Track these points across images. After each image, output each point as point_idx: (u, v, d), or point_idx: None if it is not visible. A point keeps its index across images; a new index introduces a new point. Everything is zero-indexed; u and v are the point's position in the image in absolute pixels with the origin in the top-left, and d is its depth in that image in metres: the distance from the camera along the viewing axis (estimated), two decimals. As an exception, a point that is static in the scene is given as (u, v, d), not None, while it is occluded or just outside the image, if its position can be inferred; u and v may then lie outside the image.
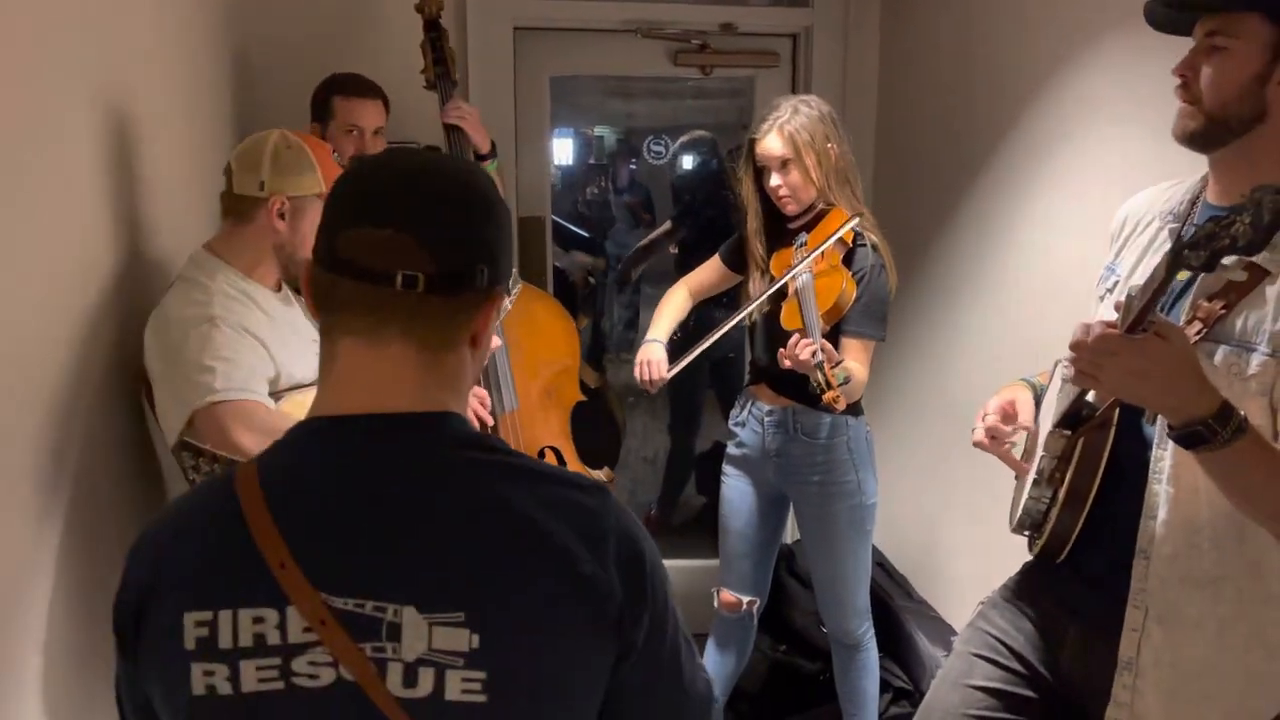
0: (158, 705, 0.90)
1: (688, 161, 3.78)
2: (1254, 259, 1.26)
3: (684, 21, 3.11)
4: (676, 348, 2.40)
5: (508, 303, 2.40)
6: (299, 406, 1.71)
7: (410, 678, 0.85)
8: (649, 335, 2.43)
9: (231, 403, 1.56)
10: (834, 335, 2.19)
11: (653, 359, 2.33)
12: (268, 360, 1.68)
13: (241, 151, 1.75)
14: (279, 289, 1.82)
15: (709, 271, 2.53)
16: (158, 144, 1.87)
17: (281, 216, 1.72)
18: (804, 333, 2.04)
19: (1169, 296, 1.37)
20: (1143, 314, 1.17)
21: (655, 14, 3.09)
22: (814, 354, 1.93)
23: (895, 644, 2.74)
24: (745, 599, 2.49)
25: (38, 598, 1.35)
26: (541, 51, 3.12)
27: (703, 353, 2.24)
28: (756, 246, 2.36)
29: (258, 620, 0.85)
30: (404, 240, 0.87)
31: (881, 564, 3.03)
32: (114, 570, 1.42)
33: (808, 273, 2.18)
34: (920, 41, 2.93)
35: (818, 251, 2.18)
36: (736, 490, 2.49)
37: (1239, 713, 1.35)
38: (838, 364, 2.00)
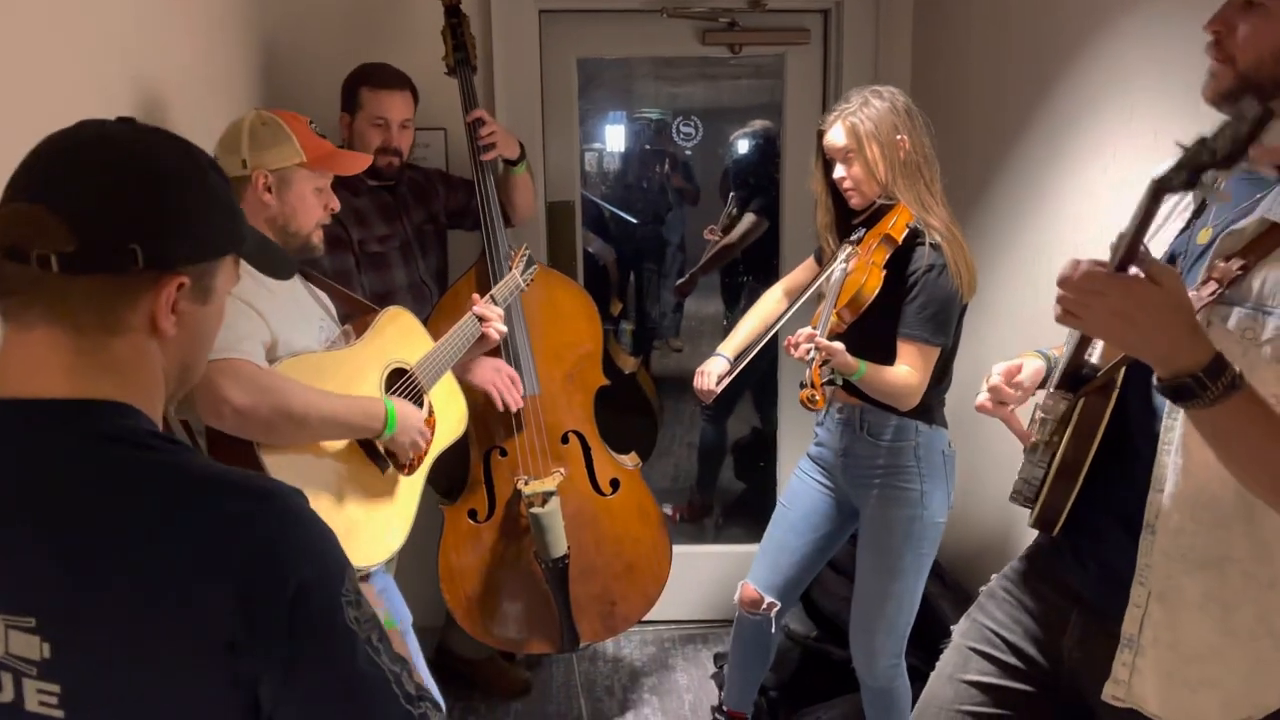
0: None
1: (750, 151, 3.71)
2: (1276, 219, 1.19)
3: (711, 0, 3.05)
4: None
5: (522, 283, 2.38)
6: (292, 367, 1.73)
7: None
8: (719, 349, 2.41)
9: (217, 361, 1.57)
10: (881, 331, 2.11)
11: (708, 370, 2.33)
12: (263, 327, 1.70)
13: (223, 136, 1.80)
14: None
15: (804, 271, 2.47)
16: (184, 126, 1.89)
17: (269, 190, 1.77)
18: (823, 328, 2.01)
19: (1189, 259, 1.31)
20: (1131, 247, 1.11)
21: (682, -8, 3.04)
22: (808, 351, 1.89)
23: (924, 631, 2.68)
24: (766, 598, 2.38)
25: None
26: (567, 34, 3.10)
27: (752, 360, 2.28)
28: (827, 241, 2.29)
29: None
30: (40, 215, 0.82)
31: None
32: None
33: (843, 267, 2.11)
34: (953, 15, 2.85)
35: (855, 245, 2.11)
36: (802, 483, 2.41)
37: (1241, 703, 1.28)
38: (832, 362, 1.96)
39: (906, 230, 2.07)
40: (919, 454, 2.19)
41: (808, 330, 1.94)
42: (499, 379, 2.44)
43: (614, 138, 3.88)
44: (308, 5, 2.82)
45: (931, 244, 2.08)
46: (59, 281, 0.83)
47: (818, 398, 1.86)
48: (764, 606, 2.38)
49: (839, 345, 1.99)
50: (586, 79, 3.23)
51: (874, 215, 2.16)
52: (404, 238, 2.55)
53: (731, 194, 3.76)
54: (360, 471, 1.86)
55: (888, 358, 2.09)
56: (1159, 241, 1.39)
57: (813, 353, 1.87)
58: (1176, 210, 1.40)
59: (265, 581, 0.82)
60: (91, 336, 0.86)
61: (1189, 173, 1.04)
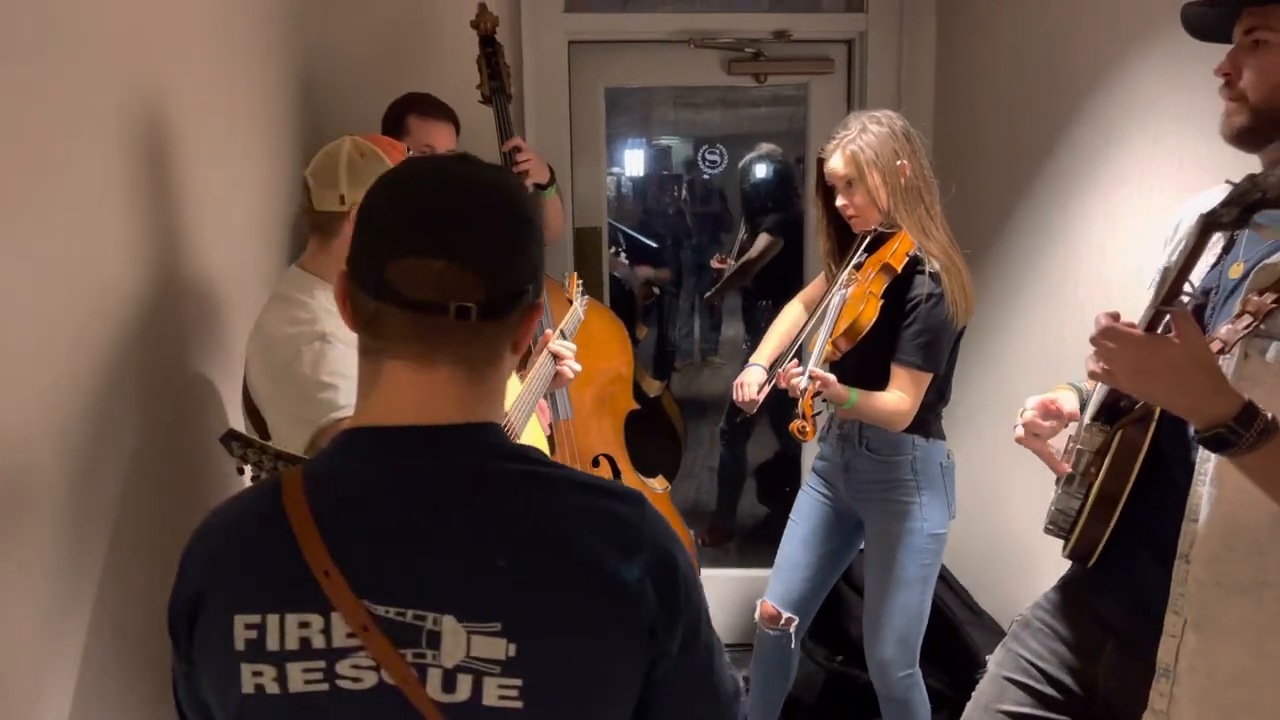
0: (212, 703, 0.94)
1: (764, 175, 3.76)
2: None
3: (737, 30, 3.11)
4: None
5: (581, 313, 2.38)
6: None
7: (449, 683, 0.88)
8: (752, 359, 2.43)
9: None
10: (875, 357, 2.16)
11: (747, 380, 2.32)
12: None
13: (316, 166, 1.73)
14: None
15: (820, 284, 2.51)
16: (222, 155, 1.91)
17: None
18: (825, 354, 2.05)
19: (1222, 294, 1.34)
20: (1178, 282, 1.15)
21: (708, 24, 3.10)
22: (800, 384, 1.92)
23: (953, 657, 2.69)
24: (785, 614, 2.42)
25: (77, 608, 1.39)
26: (595, 63, 3.16)
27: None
28: (830, 267, 2.34)
29: (303, 625, 0.88)
30: (456, 272, 0.89)
31: (944, 577, 2.97)
32: (154, 579, 1.47)
33: (841, 294, 2.15)
34: (976, 44, 2.89)
35: (844, 273, 2.16)
36: (810, 498, 2.46)
37: None
38: (825, 393, 1.98)
39: (906, 259, 2.12)
40: (916, 468, 2.24)
41: (796, 364, 1.98)
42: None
43: (637, 164, 3.93)
44: (343, 35, 2.88)
45: (931, 273, 2.12)
46: (470, 328, 0.91)
47: (808, 429, 1.90)
48: (783, 622, 2.43)
49: (831, 376, 2.04)
50: (611, 106, 3.29)
51: (874, 242, 2.21)
52: None
53: (743, 218, 3.82)
54: None
55: (882, 378, 2.14)
56: (1193, 277, 1.42)
57: (805, 382, 1.90)
58: (1207, 245, 1.43)
59: (666, 572, 0.93)
60: (481, 371, 0.95)
61: (1240, 211, 1.08)
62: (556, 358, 2.12)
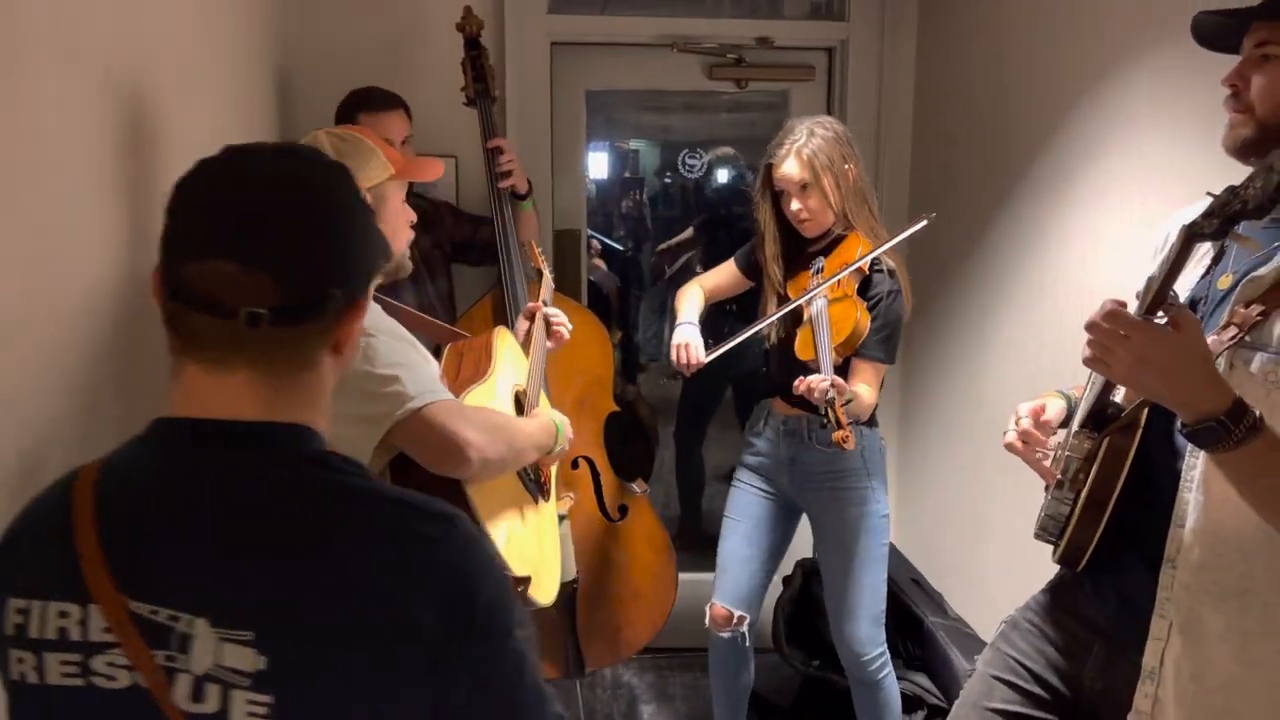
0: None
1: (713, 175, 3.79)
2: None
3: (719, 36, 3.12)
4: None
5: (549, 279, 2.38)
6: (478, 398, 1.70)
7: (198, 692, 0.83)
8: (680, 319, 2.40)
9: (438, 403, 1.47)
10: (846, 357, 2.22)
11: (690, 341, 2.31)
12: (428, 365, 1.61)
13: None
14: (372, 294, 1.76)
15: (723, 275, 2.54)
16: (186, 152, 1.89)
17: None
18: (816, 364, 2.08)
19: (1210, 304, 1.36)
20: (1161, 292, 1.15)
21: (691, 29, 3.11)
22: (826, 391, 1.94)
23: (930, 660, 2.72)
24: (736, 613, 2.44)
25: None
26: (578, 66, 3.15)
27: (736, 346, 2.26)
28: (774, 270, 2.36)
29: (62, 614, 0.85)
30: (249, 275, 0.85)
31: (917, 580, 3.00)
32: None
33: (822, 299, 2.18)
34: (956, 55, 2.93)
35: (833, 280, 2.19)
36: (746, 495, 2.49)
37: None
38: (848, 401, 2.01)
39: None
40: (865, 455, 2.33)
41: (820, 377, 1.99)
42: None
43: (615, 168, 3.93)
44: (326, 36, 2.86)
45: (889, 270, 2.24)
46: (265, 333, 0.86)
47: (850, 438, 1.92)
48: (735, 621, 2.45)
49: (850, 391, 2.06)
50: (591, 109, 3.28)
51: (830, 244, 2.28)
52: (413, 261, 2.57)
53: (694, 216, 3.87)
54: (529, 506, 1.84)
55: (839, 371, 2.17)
56: (1180, 286, 1.44)
57: (831, 393, 1.92)
58: (1196, 255, 1.46)
59: (460, 599, 0.86)
60: (285, 375, 0.90)
61: (1221, 221, 1.09)
62: (549, 323, 2.16)
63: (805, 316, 2.24)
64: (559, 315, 2.17)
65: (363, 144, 1.65)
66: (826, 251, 2.27)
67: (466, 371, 1.88)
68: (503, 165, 2.55)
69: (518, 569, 1.65)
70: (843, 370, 2.20)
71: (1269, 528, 1.24)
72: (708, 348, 2.30)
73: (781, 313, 2.27)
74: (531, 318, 2.17)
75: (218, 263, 0.85)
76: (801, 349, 2.23)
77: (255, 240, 0.86)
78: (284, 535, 0.86)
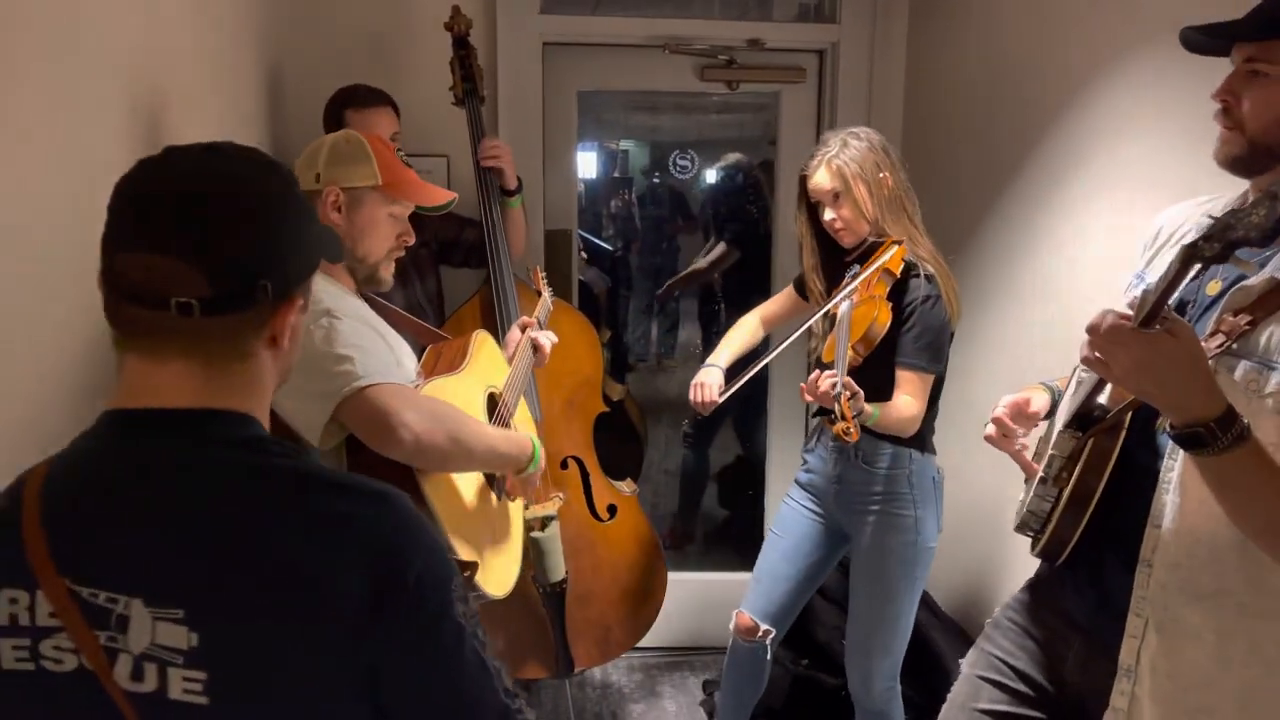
0: None
1: (728, 184, 3.79)
2: None
3: (711, 37, 3.13)
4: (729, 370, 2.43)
5: (549, 302, 2.42)
6: (438, 390, 1.70)
7: (137, 672, 0.87)
8: (709, 360, 2.44)
9: (384, 384, 1.50)
10: (889, 366, 2.18)
11: (707, 382, 2.34)
12: (390, 354, 1.65)
13: (304, 152, 1.75)
14: (357, 291, 1.78)
15: (782, 300, 2.54)
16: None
17: (338, 209, 1.69)
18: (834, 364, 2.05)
19: (1198, 309, 1.37)
20: (1156, 307, 1.17)
21: (682, 30, 3.12)
22: (833, 385, 1.93)
23: (918, 661, 2.72)
24: (762, 626, 2.41)
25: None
26: (569, 67, 3.16)
27: (751, 378, 2.27)
28: (815, 282, 2.37)
29: (13, 600, 0.88)
30: (177, 266, 0.88)
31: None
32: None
33: (848, 302, 2.17)
34: (946, 57, 2.94)
35: (858, 281, 2.17)
36: (794, 511, 2.45)
37: None
38: (859, 401, 1.98)
39: (903, 263, 2.16)
40: (913, 481, 2.25)
41: (829, 372, 1.98)
42: None
43: (605, 168, 3.93)
44: (315, 35, 2.85)
45: (926, 275, 2.17)
46: (197, 323, 0.89)
47: (853, 430, 1.90)
48: (759, 634, 2.42)
49: (860, 390, 2.04)
50: (582, 110, 3.28)
51: (865, 252, 2.24)
52: (401, 260, 2.57)
53: (712, 226, 3.86)
54: (489, 500, 1.85)
55: (882, 383, 2.16)
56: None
57: (839, 388, 1.92)
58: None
59: (389, 574, 0.89)
60: (220, 364, 0.93)
61: (1222, 247, 1.10)
62: (534, 342, 2.18)
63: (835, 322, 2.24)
64: (547, 339, 2.19)
65: (362, 147, 1.70)
66: (862, 260, 2.25)
67: (441, 367, 1.90)
68: (487, 159, 2.54)
69: (463, 554, 1.65)
70: (883, 379, 2.16)
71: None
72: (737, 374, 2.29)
73: (812, 320, 2.26)
74: (524, 330, 2.21)
75: (149, 256, 0.88)
76: (826, 351, 2.22)
77: (185, 233, 0.89)
78: (212, 516, 0.89)
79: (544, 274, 2.48)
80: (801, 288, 2.48)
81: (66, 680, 0.88)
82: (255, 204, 0.93)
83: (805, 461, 2.47)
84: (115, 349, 0.93)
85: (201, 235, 0.89)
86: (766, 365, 2.29)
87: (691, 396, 2.35)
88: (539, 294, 2.44)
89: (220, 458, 0.92)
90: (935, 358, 2.19)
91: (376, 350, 1.58)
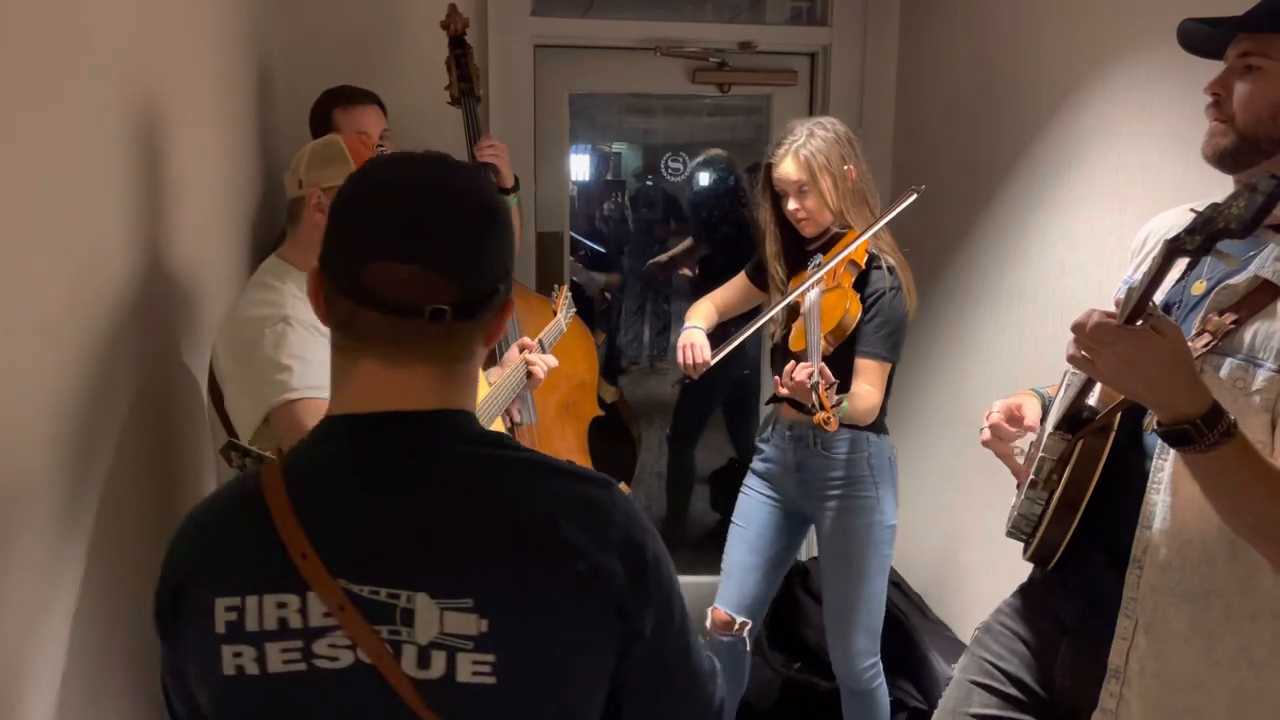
0: (194, 686, 0.96)
1: (705, 180, 3.81)
2: (1268, 276, 1.27)
3: (703, 40, 3.14)
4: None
5: (564, 326, 2.41)
6: None
7: (424, 660, 0.90)
8: (688, 323, 2.42)
9: (306, 400, 1.56)
10: (850, 356, 2.21)
11: (697, 342, 2.31)
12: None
13: (293, 159, 1.80)
14: None
15: (734, 289, 2.54)
16: (183, 150, 1.89)
17: (320, 210, 1.73)
18: (806, 354, 2.05)
19: (1184, 310, 1.38)
20: (1141, 303, 1.17)
21: (674, 32, 3.12)
22: (810, 375, 1.93)
23: (910, 663, 2.73)
24: (738, 619, 2.44)
25: (60, 602, 1.36)
26: (561, 69, 3.16)
27: (739, 345, 2.24)
28: (776, 270, 2.37)
29: (281, 605, 0.91)
30: (430, 276, 0.92)
31: (897, 583, 3.01)
32: (137, 574, 1.43)
33: (815, 291, 2.18)
34: (937, 61, 2.95)
35: (824, 270, 2.18)
36: (754, 500, 2.48)
37: None
38: (834, 391, 1.98)
39: (866, 254, 2.20)
40: (872, 464, 2.30)
41: (804, 364, 1.98)
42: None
43: (598, 170, 3.94)
44: (311, 34, 2.84)
45: (888, 267, 2.21)
46: (444, 328, 0.93)
47: (832, 419, 1.91)
48: (736, 627, 2.44)
49: (836, 380, 2.04)
50: (574, 112, 3.29)
51: (828, 243, 2.28)
52: None
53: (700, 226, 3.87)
54: None
55: (840, 373, 2.14)
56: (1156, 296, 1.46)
57: (815, 377, 1.92)
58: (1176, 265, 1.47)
59: (636, 552, 0.96)
60: (452, 366, 0.98)
61: (1204, 239, 1.11)
62: (529, 366, 2.16)
63: (800, 310, 2.24)
64: (543, 366, 2.16)
65: (337, 146, 1.77)
66: (826, 249, 2.27)
67: None
68: (483, 148, 2.53)
69: None
70: (845, 369, 2.18)
71: (1231, 531, 1.27)
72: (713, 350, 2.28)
73: (778, 306, 2.26)
74: (523, 350, 2.18)
75: (397, 265, 0.91)
76: (795, 340, 2.23)
77: (434, 242, 0.93)
78: (484, 508, 0.93)
79: (569, 294, 2.44)
80: (757, 277, 2.48)
81: (343, 675, 0.91)
82: (489, 212, 0.97)
83: (761, 450, 2.48)
84: (342, 355, 0.96)
85: (451, 245, 0.93)
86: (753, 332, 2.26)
87: (681, 359, 2.31)
88: (555, 313, 2.40)
89: (471, 454, 0.96)
90: (894, 347, 2.24)
91: (319, 362, 1.60)
